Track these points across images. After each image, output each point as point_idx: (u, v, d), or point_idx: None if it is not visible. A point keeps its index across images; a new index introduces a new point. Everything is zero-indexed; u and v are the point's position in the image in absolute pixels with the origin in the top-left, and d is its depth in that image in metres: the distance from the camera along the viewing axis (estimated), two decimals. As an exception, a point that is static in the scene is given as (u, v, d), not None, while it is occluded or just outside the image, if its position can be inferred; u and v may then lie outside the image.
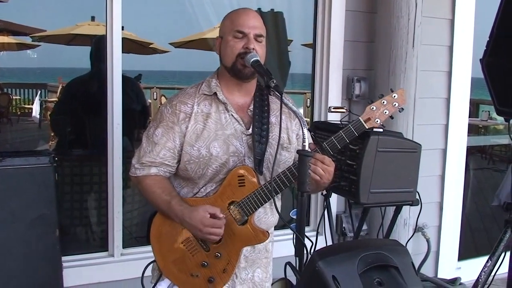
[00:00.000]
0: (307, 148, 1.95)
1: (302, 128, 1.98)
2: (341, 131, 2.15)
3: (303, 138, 1.95)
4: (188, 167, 2.18)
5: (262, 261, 2.37)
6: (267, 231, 2.23)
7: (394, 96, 2.17)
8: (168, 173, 2.25)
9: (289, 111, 2.27)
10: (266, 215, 2.28)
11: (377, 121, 2.16)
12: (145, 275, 2.35)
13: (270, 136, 2.23)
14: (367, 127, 2.17)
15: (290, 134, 2.30)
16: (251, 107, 2.26)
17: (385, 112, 2.16)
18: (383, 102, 2.16)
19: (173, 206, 2.15)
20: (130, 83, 3.72)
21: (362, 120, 2.16)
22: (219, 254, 2.18)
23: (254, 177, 2.17)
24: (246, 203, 2.15)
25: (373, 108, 2.16)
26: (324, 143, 2.13)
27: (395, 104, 2.17)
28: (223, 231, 2.12)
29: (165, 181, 2.24)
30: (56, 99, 7.86)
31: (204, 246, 2.19)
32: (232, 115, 2.21)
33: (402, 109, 2.19)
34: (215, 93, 2.21)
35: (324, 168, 2.07)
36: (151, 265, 2.35)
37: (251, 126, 2.21)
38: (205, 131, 2.16)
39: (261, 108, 2.26)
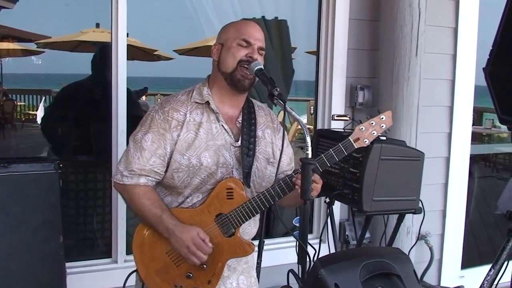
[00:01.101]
0: (309, 156, 1.97)
1: (305, 135, 2.00)
2: (331, 150, 2.19)
3: (306, 146, 1.97)
4: (175, 175, 2.16)
5: (242, 267, 2.37)
6: (253, 243, 2.25)
7: (382, 118, 2.22)
8: (155, 182, 2.21)
9: (273, 126, 2.34)
10: (250, 227, 2.30)
11: (365, 141, 2.21)
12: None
13: (257, 149, 2.25)
14: (356, 147, 2.21)
15: (274, 149, 2.32)
16: (240, 119, 2.26)
17: (373, 133, 2.22)
18: (372, 123, 2.22)
19: (164, 220, 2.11)
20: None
21: (351, 140, 2.20)
22: (205, 266, 2.16)
23: (242, 190, 2.17)
24: (234, 216, 2.15)
25: (362, 128, 2.21)
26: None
27: (382, 126, 2.22)
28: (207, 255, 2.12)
29: (153, 192, 2.20)
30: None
31: None
32: (222, 125, 2.20)
33: (389, 130, 2.27)
34: (207, 102, 2.20)
35: (313, 187, 2.08)
36: (135, 278, 2.30)
37: (240, 139, 2.22)
38: (196, 141, 2.15)
39: (249, 121, 2.27)
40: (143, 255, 2.21)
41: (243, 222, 2.17)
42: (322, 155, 2.17)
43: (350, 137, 2.20)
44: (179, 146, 2.14)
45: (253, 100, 2.37)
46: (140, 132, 2.19)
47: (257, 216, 2.30)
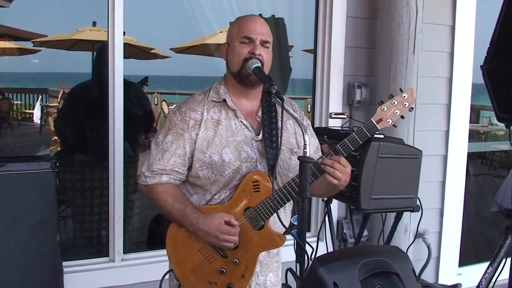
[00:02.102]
0: (308, 154, 1.96)
1: (303, 134, 1.99)
2: (353, 133, 2.15)
3: (304, 144, 1.96)
4: (200, 173, 2.17)
5: (273, 265, 2.38)
6: (284, 235, 2.24)
7: (404, 96, 2.17)
8: (179, 181, 2.24)
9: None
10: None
11: (388, 121, 2.16)
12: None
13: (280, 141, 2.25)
14: (379, 128, 2.17)
15: (298, 139, 2.31)
16: (259, 113, 2.27)
17: (396, 112, 2.16)
18: (394, 103, 2.16)
19: (187, 214, 2.13)
20: (132, 88, 3.71)
21: (374, 121, 2.16)
22: (237, 260, 2.17)
23: (268, 182, 2.16)
24: (262, 208, 2.16)
25: (384, 109, 2.16)
26: (338, 146, 2.13)
27: (405, 104, 2.17)
28: (238, 238, 2.12)
29: (176, 189, 2.23)
30: (56, 104, 7.86)
31: (222, 253, 2.18)
32: (241, 121, 2.21)
33: (412, 108, 2.19)
34: (224, 100, 2.22)
35: (342, 170, 2.06)
36: (168, 275, 2.32)
37: (261, 132, 2.22)
38: (216, 138, 2.16)
39: (269, 114, 2.27)
40: (177, 254, 2.23)
41: (272, 214, 2.16)
42: (345, 139, 2.14)
43: (372, 119, 2.16)
44: (199, 144, 2.16)
45: None
46: (160, 135, 2.24)
47: (288, 208, 2.31)
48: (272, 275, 2.37)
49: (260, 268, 2.31)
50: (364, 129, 2.15)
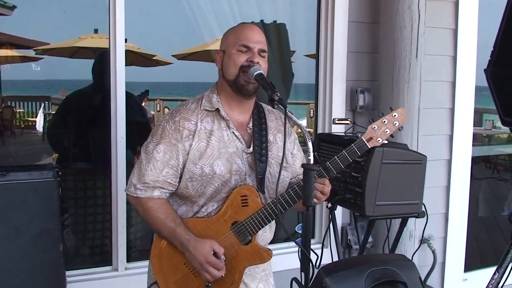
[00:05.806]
0: (311, 161, 1.94)
1: (306, 141, 1.97)
2: (344, 151, 2.17)
3: (308, 152, 1.94)
4: (189, 184, 2.14)
5: (260, 275, 2.35)
6: (270, 250, 2.23)
7: (395, 115, 2.21)
8: (169, 193, 2.20)
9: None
10: (265, 233, 2.28)
11: (378, 140, 2.20)
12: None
13: (269, 155, 2.23)
14: (369, 147, 2.20)
15: (286, 153, 2.29)
16: (250, 124, 2.25)
17: (386, 131, 2.21)
18: (384, 121, 2.20)
19: (178, 234, 2.10)
20: (128, 98, 3.68)
21: (364, 140, 2.19)
22: (223, 275, 2.14)
23: (257, 197, 2.16)
24: (250, 223, 2.14)
25: (374, 127, 2.20)
26: (328, 163, 2.15)
27: (395, 123, 2.21)
28: (224, 257, 2.11)
29: (167, 205, 2.19)
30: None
31: None
32: (233, 132, 2.19)
33: (402, 127, 2.24)
34: (217, 109, 2.19)
35: (323, 191, 2.10)
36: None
37: (252, 145, 2.20)
38: (208, 149, 2.13)
39: (260, 126, 2.25)
40: (162, 266, 2.20)
41: (259, 229, 2.15)
42: (335, 156, 2.16)
43: (362, 137, 2.19)
44: (191, 155, 2.13)
45: (263, 105, 2.35)
46: (151, 143, 2.18)
47: (273, 222, 2.29)
48: (262, 285, 2.35)
49: (247, 281, 2.28)
50: (354, 147, 2.18)
